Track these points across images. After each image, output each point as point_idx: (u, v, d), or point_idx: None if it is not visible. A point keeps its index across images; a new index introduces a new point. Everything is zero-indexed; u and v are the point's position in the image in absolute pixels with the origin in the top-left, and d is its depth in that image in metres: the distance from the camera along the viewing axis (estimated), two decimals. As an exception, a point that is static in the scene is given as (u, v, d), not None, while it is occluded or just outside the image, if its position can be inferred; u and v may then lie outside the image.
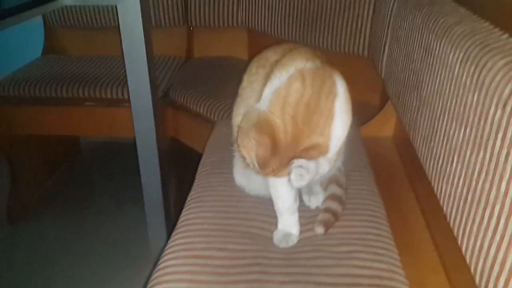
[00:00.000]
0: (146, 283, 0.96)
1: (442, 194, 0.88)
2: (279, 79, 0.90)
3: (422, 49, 1.08)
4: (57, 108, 1.95)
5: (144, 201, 1.75)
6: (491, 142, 0.69)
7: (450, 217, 0.83)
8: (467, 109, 0.79)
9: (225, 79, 1.98)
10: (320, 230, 1.01)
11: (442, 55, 0.94)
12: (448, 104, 0.88)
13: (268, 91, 0.91)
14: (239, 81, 1.93)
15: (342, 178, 1.14)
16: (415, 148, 1.09)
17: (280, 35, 2.06)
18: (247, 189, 1.14)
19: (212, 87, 1.89)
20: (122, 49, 1.51)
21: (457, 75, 0.85)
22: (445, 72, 0.92)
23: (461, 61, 0.84)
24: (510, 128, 0.64)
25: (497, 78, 0.70)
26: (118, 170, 2.35)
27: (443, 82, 0.92)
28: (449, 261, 1.00)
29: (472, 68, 0.79)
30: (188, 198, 1.22)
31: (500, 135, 0.66)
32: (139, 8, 1.46)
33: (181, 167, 2.09)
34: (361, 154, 1.34)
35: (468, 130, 0.78)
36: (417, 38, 1.12)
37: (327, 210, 1.05)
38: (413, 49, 1.15)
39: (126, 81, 1.57)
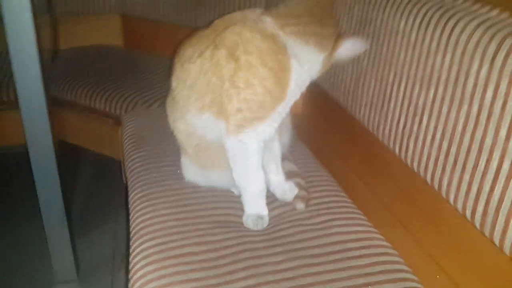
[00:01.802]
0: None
1: (410, 153, 0.95)
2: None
3: (353, 22, 1.13)
4: None
5: (42, 216, 1.52)
6: (478, 95, 0.76)
7: (426, 172, 0.90)
8: (436, 71, 0.86)
9: (111, 69, 1.82)
10: (301, 205, 1.01)
11: (387, 24, 1.00)
12: (406, 69, 0.94)
13: None
14: (126, 71, 1.81)
15: (289, 154, 1.15)
16: (357, 118, 1.15)
17: (163, 19, 1.96)
18: (202, 183, 1.08)
19: (102, 79, 1.72)
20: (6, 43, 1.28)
21: (416, 41, 0.91)
22: (395, 40, 0.98)
23: (419, 28, 0.90)
24: (503, 80, 0.72)
25: (475, 37, 0.77)
26: (4, 183, 2.00)
27: (393, 49, 0.98)
28: (404, 214, 1.08)
29: (437, 32, 0.85)
30: (132, 198, 1.10)
31: (491, 88, 0.74)
32: (28, -3, 1.25)
33: (69, 170, 1.88)
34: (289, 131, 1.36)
35: (441, 90, 0.85)
36: (344, 11, 1.17)
37: (297, 185, 1.05)
38: (339, 22, 1.20)
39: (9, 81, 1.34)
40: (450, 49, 0.82)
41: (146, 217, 1.01)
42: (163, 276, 0.84)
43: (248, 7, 1.72)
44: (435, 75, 0.86)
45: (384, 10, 1.01)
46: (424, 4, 0.91)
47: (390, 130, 1.02)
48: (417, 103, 0.92)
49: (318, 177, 1.16)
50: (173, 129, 1.05)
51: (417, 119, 0.92)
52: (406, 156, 0.97)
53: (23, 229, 1.82)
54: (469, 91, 0.78)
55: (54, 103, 1.71)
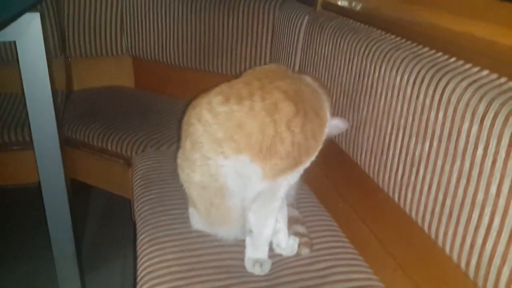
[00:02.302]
0: None
1: (408, 201, 0.98)
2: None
3: (353, 73, 1.18)
4: None
5: (53, 251, 1.56)
6: (469, 152, 0.80)
7: (424, 222, 0.93)
8: (430, 125, 0.90)
9: (122, 111, 1.89)
10: (306, 251, 1.05)
11: (384, 78, 1.05)
12: (403, 121, 0.99)
13: None
14: (137, 112, 1.87)
15: (293, 198, 1.19)
16: (359, 164, 1.19)
17: (172, 63, 2.04)
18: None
19: (113, 120, 1.78)
20: (22, 86, 1.35)
21: (411, 96, 0.96)
22: (392, 93, 1.03)
23: (414, 84, 0.95)
24: (492, 139, 0.76)
25: (466, 97, 0.82)
26: (18, 220, 2.05)
27: (391, 102, 1.03)
28: (403, 260, 1.11)
29: (431, 90, 0.90)
30: (140, 242, 1.14)
31: (481, 146, 0.77)
32: (42, 42, 1.32)
33: (81, 208, 1.93)
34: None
35: (435, 143, 0.89)
36: (344, 63, 1.23)
37: (297, 234, 1.09)
38: (339, 73, 1.26)
39: (24, 123, 1.40)
40: (442, 106, 0.87)
41: (153, 262, 1.05)
42: (168, 323, 0.88)
43: (254, 56, 1.82)
44: (430, 130, 0.90)
45: (381, 65, 1.06)
46: (417, 62, 0.96)
47: (389, 178, 1.05)
48: (414, 154, 0.96)
49: (321, 221, 1.20)
50: (185, 182, 1.07)
51: (414, 169, 0.96)
52: (405, 204, 1.00)
53: (34, 264, 1.86)
54: (461, 147, 0.82)
55: (67, 143, 1.78)
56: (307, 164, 1.00)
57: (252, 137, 0.93)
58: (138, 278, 1.04)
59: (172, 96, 2.06)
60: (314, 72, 1.42)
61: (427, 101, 0.91)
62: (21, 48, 1.31)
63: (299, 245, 1.07)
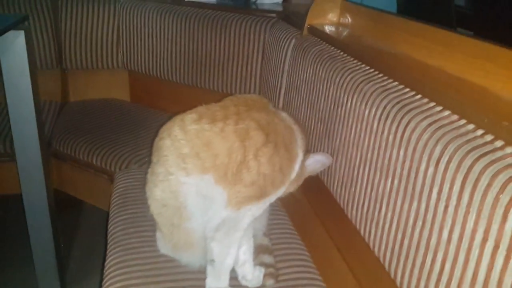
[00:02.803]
0: None
1: (372, 237, 0.97)
2: None
3: (329, 101, 1.18)
4: None
5: (34, 263, 1.57)
6: (425, 194, 0.79)
7: (385, 259, 0.92)
8: (392, 162, 0.89)
9: (112, 125, 1.90)
10: (270, 282, 1.04)
11: (355, 110, 1.04)
12: (369, 155, 0.98)
13: None
14: (126, 126, 1.88)
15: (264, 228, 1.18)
16: (331, 192, 1.18)
17: (166, 78, 2.05)
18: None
19: (101, 134, 1.80)
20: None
21: (377, 130, 0.95)
22: (361, 126, 1.02)
23: (380, 119, 0.94)
24: (445, 183, 0.74)
25: (425, 138, 0.80)
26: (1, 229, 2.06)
27: (360, 134, 1.02)
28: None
29: (394, 126, 0.89)
30: (107, 264, 1.14)
31: (435, 190, 0.76)
32: (26, 59, 1.34)
33: (66, 219, 1.94)
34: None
35: (396, 182, 0.87)
36: (322, 90, 1.22)
37: (263, 264, 1.07)
38: (318, 99, 1.25)
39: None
40: (403, 144, 0.85)
41: (116, 286, 1.05)
42: None
43: (245, 75, 1.82)
44: (392, 167, 0.89)
45: (352, 96, 1.05)
46: (385, 97, 0.95)
47: (356, 211, 1.04)
48: (378, 190, 0.95)
49: (292, 249, 1.18)
50: (148, 198, 1.07)
51: (378, 205, 0.94)
52: (369, 239, 0.99)
53: (16, 275, 1.87)
54: (418, 189, 0.81)
55: (56, 156, 1.79)
56: (272, 197, 0.99)
57: (218, 158, 0.93)
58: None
59: (164, 111, 2.06)
60: (297, 95, 1.41)
61: (391, 138, 0.90)
62: (5, 64, 1.34)
63: (264, 276, 1.06)
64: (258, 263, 1.09)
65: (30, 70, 1.36)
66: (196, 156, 0.94)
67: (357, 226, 1.04)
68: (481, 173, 0.68)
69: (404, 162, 0.85)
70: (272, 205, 1.21)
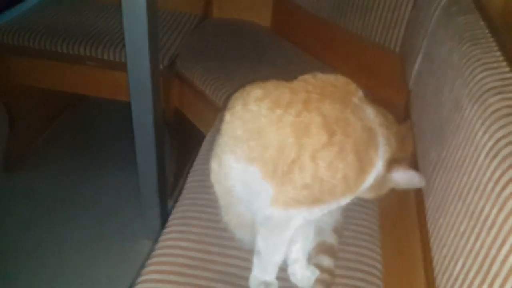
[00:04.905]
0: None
1: None
2: None
3: (451, 99, 0.92)
4: (58, 63, 1.84)
5: (138, 168, 1.65)
6: None
7: None
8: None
9: (236, 54, 1.82)
10: None
11: (469, 124, 0.79)
12: (469, 182, 0.74)
13: None
14: (252, 59, 1.78)
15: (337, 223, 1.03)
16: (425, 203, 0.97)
17: (309, 8, 1.86)
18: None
19: (223, 63, 1.73)
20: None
21: (480, 151, 0.71)
22: (468, 144, 0.77)
23: (487, 142, 0.70)
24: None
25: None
26: (119, 130, 2.24)
27: (466, 156, 0.78)
28: None
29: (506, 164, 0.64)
30: (174, 212, 1.14)
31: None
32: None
33: (183, 137, 1.99)
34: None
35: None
36: (449, 80, 0.96)
37: (319, 267, 0.96)
38: (442, 91, 0.99)
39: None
40: None
41: (170, 244, 1.04)
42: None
43: (390, 21, 1.54)
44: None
45: (473, 105, 0.79)
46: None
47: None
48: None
49: (361, 256, 1.04)
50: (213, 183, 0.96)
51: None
52: None
53: (120, 178, 2.03)
54: None
55: (178, 76, 1.80)
56: (332, 205, 0.83)
57: (268, 151, 0.80)
58: (156, 248, 1.04)
59: (296, 45, 1.91)
60: (428, 73, 1.15)
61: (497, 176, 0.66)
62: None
63: (315, 280, 0.94)
64: (314, 263, 0.97)
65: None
66: (246, 142, 0.82)
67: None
68: None
69: None
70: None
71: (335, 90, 0.83)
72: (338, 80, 0.85)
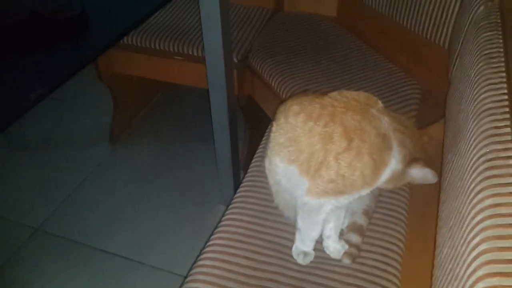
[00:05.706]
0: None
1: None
2: None
3: (465, 111, 1.09)
4: (151, 57, 2.17)
5: (215, 145, 1.99)
6: None
7: None
8: None
9: (304, 48, 2.02)
10: (346, 261, 1.18)
11: (468, 139, 0.97)
12: (457, 189, 0.94)
13: None
14: (317, 52, 1.97)
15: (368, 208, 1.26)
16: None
17: (369, 2, 2.02)
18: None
19: (289, 58, 1.93)
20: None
21: (469, 161, 0.90)
22: (466, 155, 0.96)
23: (474, 155, 0.88)
24: None
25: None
26: (201, 112, 2.58)
27: (462, 164, 0.97)
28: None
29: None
30: (238, 191, 1.41)
31: None
32: None
33: (256, 120, 2.26)
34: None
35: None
36: (466, 100, 1.12)
37: (348, 242, 1.20)
38: (460, 109, 1.15)
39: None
40: None
41: (237, 212, 1.32)
42: (208, 274, 1.17)
43: (440, 18, 1.67)
44: None
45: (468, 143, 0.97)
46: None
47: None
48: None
49: (385, 236, 1.24)
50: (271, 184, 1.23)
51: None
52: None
53: (201, 153, 2.42)
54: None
55: (249, 68, 2.05)
56: (354, 195, 1.06)
57: (303, 155, 1.05)
58: (224, 215, 1.34)
59: (358, 36, 2.08)
60: (459, 81, 1.30)
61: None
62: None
63: (344, 253, 1.19)
64: (345, 239, 1.22)
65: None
66: (287, 148, 1.08)
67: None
68: None
69: None
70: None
71: (357, 104, 1.05)
72: (359, 96, 1.08)
